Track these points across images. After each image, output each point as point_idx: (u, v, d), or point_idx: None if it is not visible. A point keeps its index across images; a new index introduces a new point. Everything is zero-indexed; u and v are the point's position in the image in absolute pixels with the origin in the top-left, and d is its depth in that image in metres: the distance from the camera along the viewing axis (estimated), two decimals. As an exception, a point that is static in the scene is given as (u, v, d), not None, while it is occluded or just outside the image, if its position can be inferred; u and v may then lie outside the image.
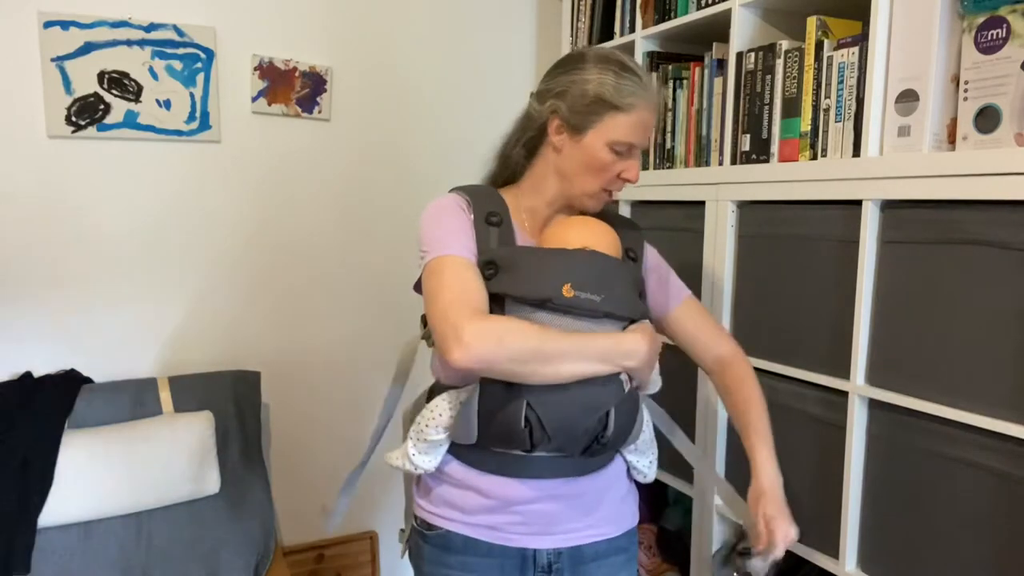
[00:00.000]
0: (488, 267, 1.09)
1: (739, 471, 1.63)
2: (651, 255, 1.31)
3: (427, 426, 1.16)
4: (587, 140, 1.16)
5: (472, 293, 1.05)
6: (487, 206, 1.17)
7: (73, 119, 1.78)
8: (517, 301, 1.07)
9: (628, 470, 1.28)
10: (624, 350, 1.07)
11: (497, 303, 1.08)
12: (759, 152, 1.55)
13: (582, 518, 1.20)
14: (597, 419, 1.08)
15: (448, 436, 1.17)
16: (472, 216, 1.15)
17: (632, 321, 1.13)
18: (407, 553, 1.30)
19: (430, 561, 1.22)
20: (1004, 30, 1.11)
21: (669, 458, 1.45)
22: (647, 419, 1.24)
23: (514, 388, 1.06)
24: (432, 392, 1.23)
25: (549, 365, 1.02)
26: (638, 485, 1.31)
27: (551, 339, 1.02)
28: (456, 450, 1.20)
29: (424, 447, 1.18)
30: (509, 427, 1.08)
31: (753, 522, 1.15)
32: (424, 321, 1.24)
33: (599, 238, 1.14)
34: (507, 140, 1.26)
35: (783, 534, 1.12)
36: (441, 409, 1.15)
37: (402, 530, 1.34)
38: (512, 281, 1.08)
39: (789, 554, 1.53)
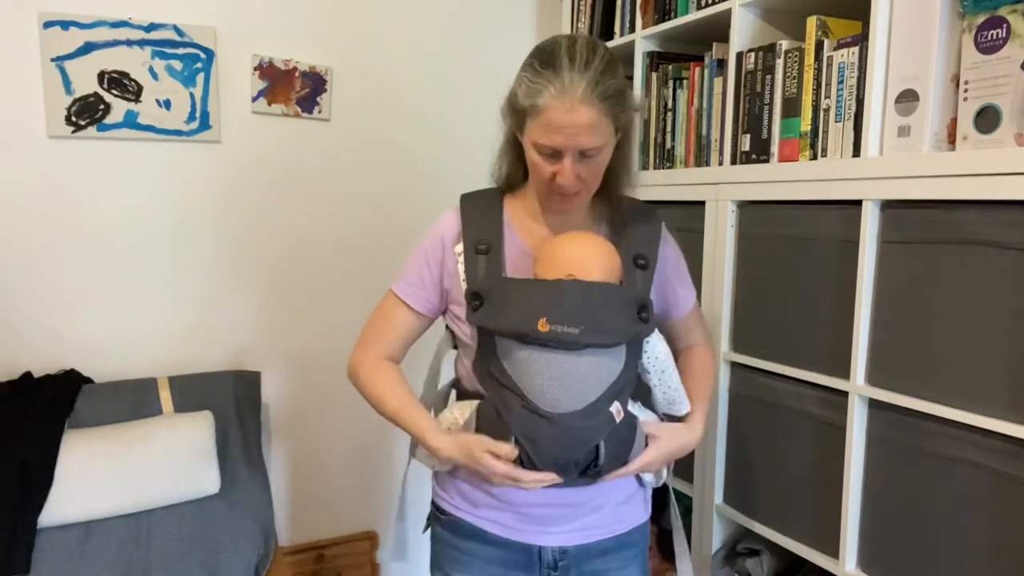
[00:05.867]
0: (474, 298, 1.11)
1: (738, 479, 1.63)
2: (668, 254, 1.25)
3: (449, 428, 1.20)
4: (524, 138, 1.12)
5: (379, 334, 1.26)
6: (479, 232, 1.17)
7: (73, 119, 1.78)
8: (499, 335, 1.09)
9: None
10: (429, 444, 1.16)
11: (489, 335, 1.11)
12: (759, 152, 1.55)
13: (586, 518, 1.21)
14: (586, 452, 1.07)
15: None
16: (460, 246, 1.17)
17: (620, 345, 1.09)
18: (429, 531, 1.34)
19: (443, 542, 1.28)
20: (1004, 30, 1.11)
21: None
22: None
23: (503, 421, 1.07)
24: (457, 390, 1.29)
25: (386, 417, 1.21)
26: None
27: (385, 400, 1.20)
28: None
29: None
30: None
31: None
32: (447, 327, 1.29)
33: (588, 259, 1.08)
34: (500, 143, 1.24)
35: (644, 462, 1.14)
36: (457, 414, 1.20)
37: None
38: (493, 315, 1.09)
39: (789, 554, 1.53)
